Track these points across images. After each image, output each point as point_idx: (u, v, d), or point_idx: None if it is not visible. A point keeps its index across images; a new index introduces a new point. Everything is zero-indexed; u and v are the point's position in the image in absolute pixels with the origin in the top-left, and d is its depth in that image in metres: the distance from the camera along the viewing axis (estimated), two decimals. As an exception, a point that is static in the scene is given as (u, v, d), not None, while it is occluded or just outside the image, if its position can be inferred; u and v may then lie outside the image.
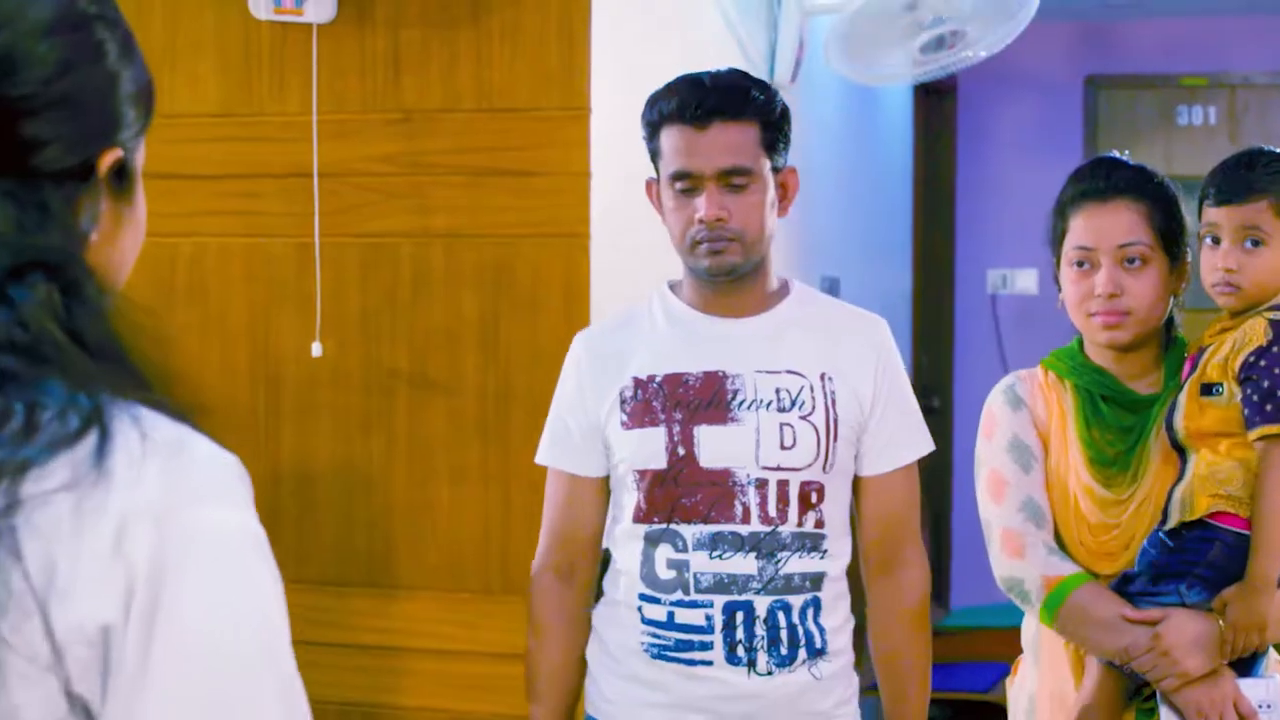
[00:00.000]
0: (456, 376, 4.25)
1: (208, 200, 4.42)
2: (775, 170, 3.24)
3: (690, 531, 3.21)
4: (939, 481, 8.52)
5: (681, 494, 3.22)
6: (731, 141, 3.17)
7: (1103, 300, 3.24)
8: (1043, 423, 3.34)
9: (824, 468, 3.22)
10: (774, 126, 3.22)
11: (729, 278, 3.24)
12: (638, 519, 3.26)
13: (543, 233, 4.17)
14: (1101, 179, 3.29)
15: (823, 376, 3.25)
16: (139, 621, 1.28)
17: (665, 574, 3.24)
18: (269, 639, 1.38)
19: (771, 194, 3.24)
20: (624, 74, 4.29)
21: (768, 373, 3.24)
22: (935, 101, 9.05)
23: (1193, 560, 3.11)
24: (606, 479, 3.36)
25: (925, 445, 3.37)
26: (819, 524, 3.23)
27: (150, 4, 4.43)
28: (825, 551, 3.24)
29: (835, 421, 3.23)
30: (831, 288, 6.49)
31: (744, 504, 3.19)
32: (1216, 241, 3.19)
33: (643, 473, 3.24)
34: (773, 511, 3.20)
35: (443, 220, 4.26)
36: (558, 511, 3.41)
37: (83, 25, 1.43)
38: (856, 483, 3.33)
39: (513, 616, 4.10)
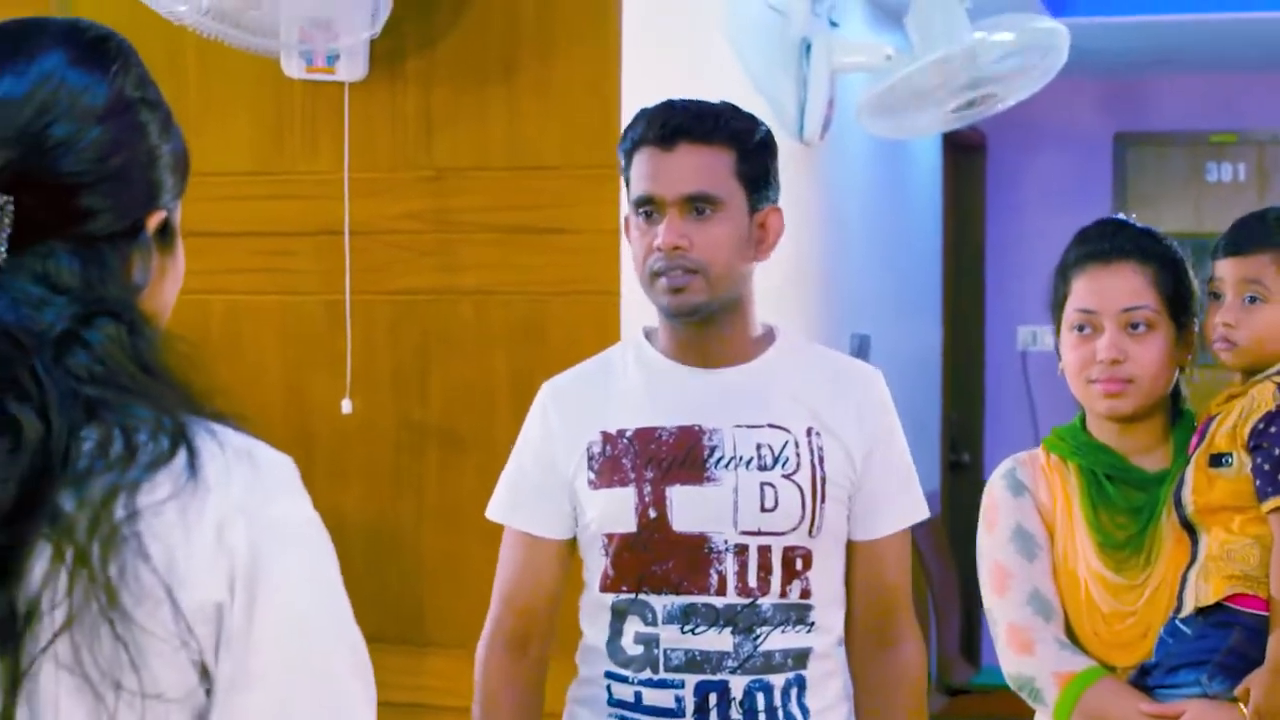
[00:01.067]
0: (487, 434, 4.25)
1: (240, 258, 4.44)
2: (754, 208, 2.96)
3: (660, 603, 2.91)
4: (969, 536, 8.49)
5: (652, 560, 2.91)
6: (698, 165, 2.90)
7: (1104, 366, 3.07)
8: (1047, 508, 3.15)
9: (810, 531, 2.93)
10: (751, 156, 2.95)
11: (694, 318, 2.94)
12: (604, 587, 2.97)
13: (573, 290, 4.18)
14: (1106, 240, 3.16)
15: (809, 432, 2.95)
16: (243, 596, 1.58)
17: (633, 649, 2.94)
18: (340, 603, 1.69)
19: (745, 229, 2.94)
20: (654, 132, 4.30)
21: (748, 427, 2.94)
22: (965, 158, 9.05)
23: (1212, 647, 2.93)
24: (570, 542, 3.08)
25: (920, 510, 3.10)
26: (805, 594, 2.93)
27: (184, 63, 4.46)
28: (812, 624, 2.94)
29: (823, 481, 2.93)
30: (862, 345, 6.49)
31: (719, 573, 2.89)
32: (1217, 297, 3.08)
33: (610, 536, 2.95)
34: (752, 581, 2.89)
35: (473, 277, 4.27)
36: (512, 575, 3.14)
37: (129, 110, 1.72)
38: (848, 548, 3.03)
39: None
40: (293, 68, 4.21)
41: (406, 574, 4.32)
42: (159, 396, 1.62)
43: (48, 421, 1.54)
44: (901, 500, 3.07)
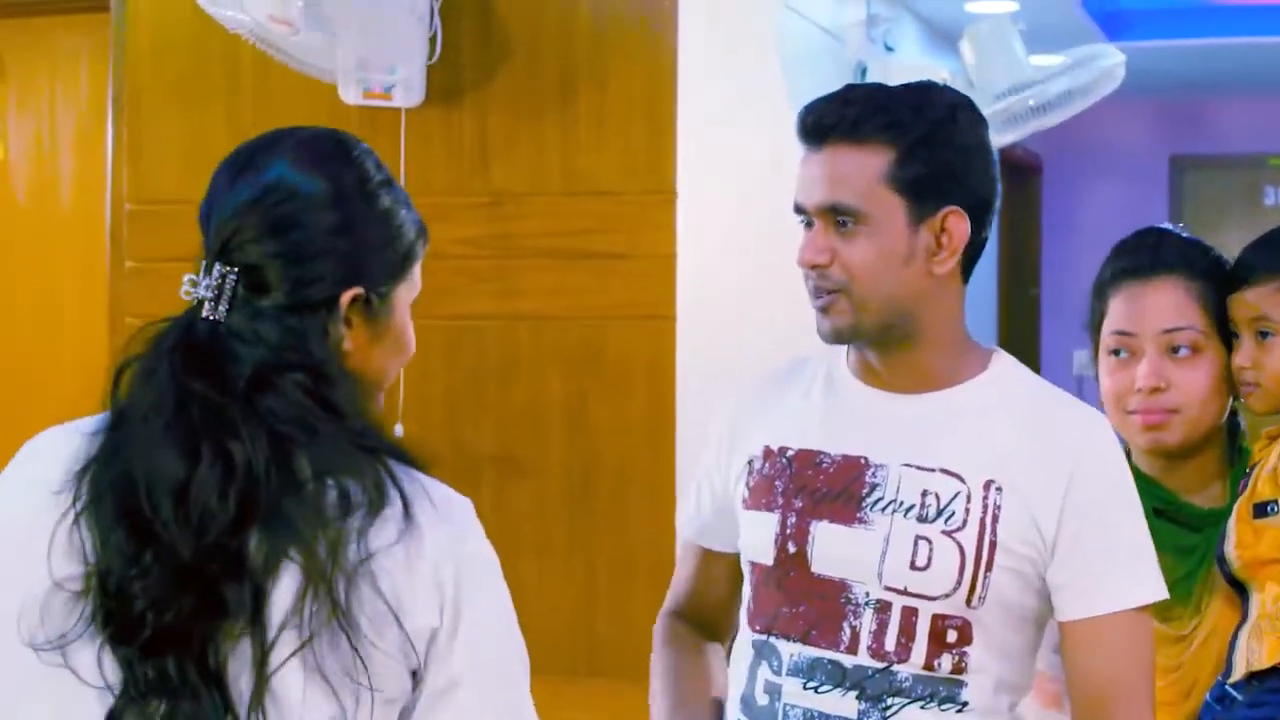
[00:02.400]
0: (542, 457, 4.25)
1: (297, 283, 4.45)
2: (920, 216, 2.45)
3: (788, 650, 2.51)
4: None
5: (784, 601, 2.52)
6: (840, 171, 2.46)
7: (1143, 396, 2.72)
8: None
9: (969, 600, 2.43)
10: (915, 155, 2.45)
11: (847, 342, 2.54)
12: (749, 621, 2.59)
13: (629, 315, 4.18)
14: (1146, 253, 2.79)
15: (988, 485, 2.45)
16: (450, 620, 1.95)
17: (760, 699, 2.56)
18: (514, 622, 2.06)
19: (903, 242, 2.45)
20: (710, 157, 4.31)
21: (917, 469, 2.48)
22: (1020, 180, 9.04)
23: (1267, 717, 2.55)
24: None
25: (1142, 592, 2.47)
26: (958, 669, 2.45)
27: (241, 90, 4.48)
28: (964, 705, 2.46)
29: (992, 546, 2.43)
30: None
31: (853, 628, 2.47)
32: (1236, 336, 2.72)
33: (754, 566, 2.58)
34: (889, 644, 2.45)
35: (529, 302, 4.28)
36: (682, 576, 2.83)
37: (335, 205, 2.01)
38: (1060, 631, 2.52)
39: (600, 698, 4.09)
40: (350, 93, 4.23)
41: (462, 598, 4.32)
42: (338, 434, 1.94)
43: (250, 450, 1.88)
44: (1116, 576, 2.47)
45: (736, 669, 2.63)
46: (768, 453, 2.59)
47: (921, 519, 2.45)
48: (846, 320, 2.47)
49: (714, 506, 2.70)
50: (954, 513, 2.44)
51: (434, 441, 4.33)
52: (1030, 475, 2.44)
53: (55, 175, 5.36)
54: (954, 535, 2.44)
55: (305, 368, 1.96)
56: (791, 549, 2.52)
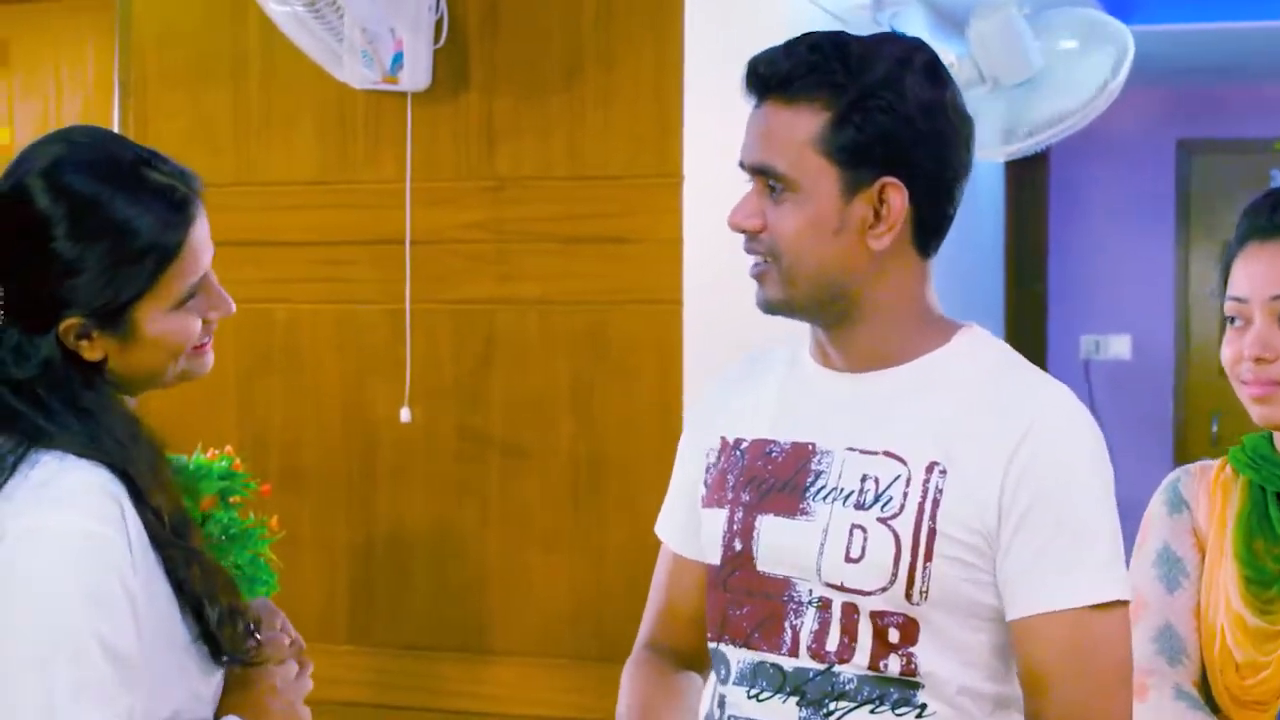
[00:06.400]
0: (549, 443, 4.25)
1: (301, 267, 4.45)
2: (854, 186, 2.23)
3: (735, 657, 2.32)
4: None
5: (730, 603, 2.33)
6: (771, 131, 2.27)
7: (1251, 365, 2.50)
8: (1203, 530, 2.57)
9: (908, 595, 2.20)
10: (851, 118, 2.22)
11: (784, 315, 2.34)
12: (707, 630, 2.41)
13: (635, 299, 4.17)
14: (1265, 214, 2.56)
15: (931, 467, 2.22)
16: None
17: (713, 711, 2.38)
18: (57, 604, 2.01)
19: (836, 215, 2.24)
20: (717, 140, 4.29)
21: (860, 452, 2.26)
22: (1026, 167, 9.01)
23: None
24: None
25: (1098, 590, 2.18)
26: (908, 671, 2.22)
27: (246, 72, 4.48)
28: (923, 709, 2.22)
29: (931, 534, 2.19)
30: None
31: (794, 628, 2.27)
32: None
33: (708, 569, 2.40)
34: (830, 645, 2.24)
35: (535, 287, 4.27)
36: (658, 584, 2.61)
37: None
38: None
39: (606, 682, 4.09)
40: (356, 77, 4.22)
41: (467, 583, 4.32)
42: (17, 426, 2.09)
43: None
44: (1065, 568, 2.19)
45: (709, 687, 2.44)
46: (724, 445, 2.41)
47: (859, 506, 2.23)
48: (776, 292, 2.30)
49: (682, 506, 2.51)
50: (891, 498, 2.22)
51: (441, 426, 4.34)
52: (974, 454, 2.20)
53: (61, 159, 5.34)
54: (889, 523, 2.21)
55: (17, 365, 2.09)
56: (738, 546, 2.32)
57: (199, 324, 2.19)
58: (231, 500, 3.68)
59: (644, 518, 4.25)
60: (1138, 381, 8.73)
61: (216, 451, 3.73)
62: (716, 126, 4.32)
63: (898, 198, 2.23)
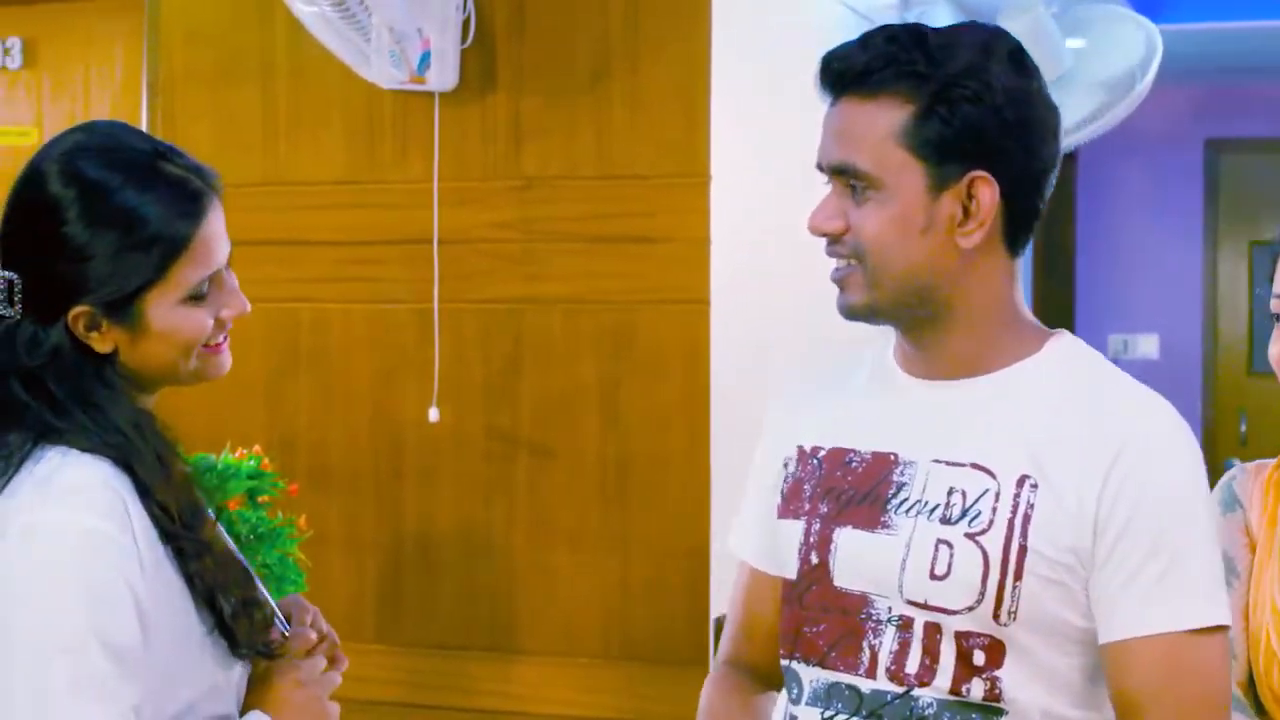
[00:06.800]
0: (576, 442, 4.25)
1: (329, 266, 4.46)
2: (941, 182, 2.12)
3: (808, 676, 2.21)
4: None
5: (805, 620, 2.22)
6: (851, 128, 2.14)
7: None
8: (1255, 528, 2.48)
9: (996, 615, 2.09)
10: (938, 110, 2.10)
11: (868, 321, 2.21)
12: (779, 646, 2.29)
13: (663, 299, 4.17)
14: None
15: (1022, 481, 2.10)
16: None
17: None
18: (53, 603, 2.01)
19: (923, 212, 2.13)
20: (744, 140, 4.29)
21: (946, 464, 2.15)
22: (1054, 165, 9.00)
23: None
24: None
25: (1196, 615, 2.06)
26: (992, 696, 2.10)
27: (274, 72, 4.48)
28: None
29: (1021, 551, 2.08)
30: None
31: (872, 648, 2.15)
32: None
33: (784, 582, 2.27)
34: (911, 666, 2.13)
35: (562, 286, 4.27)
36: (735, 599, 2.47)
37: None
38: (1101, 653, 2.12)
39: (630, 681, 4.10)
40: (384, 77, 4.22)
41: (495, 582, 4.33)
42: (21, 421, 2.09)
43: None
44: (1164, 590, 2.07)
45: (781, 706, 2.32)
46: (800, 454, 2.29)
47: (945, 520, 2.12)
48: (860, 297, 2.16)
49: (756, 518, 2.37)
50: (979, 513, 2.11)
51: (469, 425, 4.34)
52: (1068, 469, 2.09)
53: (89, 160, 5.36)
54: (977, 539, 2.10)
55: (14, 370, 2.11)
56: (814, 560, 2.20)
57: (210, 321, 2.17)
58: (260, 499, 3.69)
59: (671, 517, 4.27)
60: (1166, 381, 8.65)
61: (245, 451, 3.74)
62: (743, 126, 4.32)
63: (988, 192, 2.12)
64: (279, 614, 2.35)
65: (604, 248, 4.23)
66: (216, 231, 2.15)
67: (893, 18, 5.24)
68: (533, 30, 4.28)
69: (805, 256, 3.81)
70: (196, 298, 2.14)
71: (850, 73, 2.12)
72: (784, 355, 4.46)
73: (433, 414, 4.31)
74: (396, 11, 4.09)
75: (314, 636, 2.32)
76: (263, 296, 4.34)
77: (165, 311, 2.13)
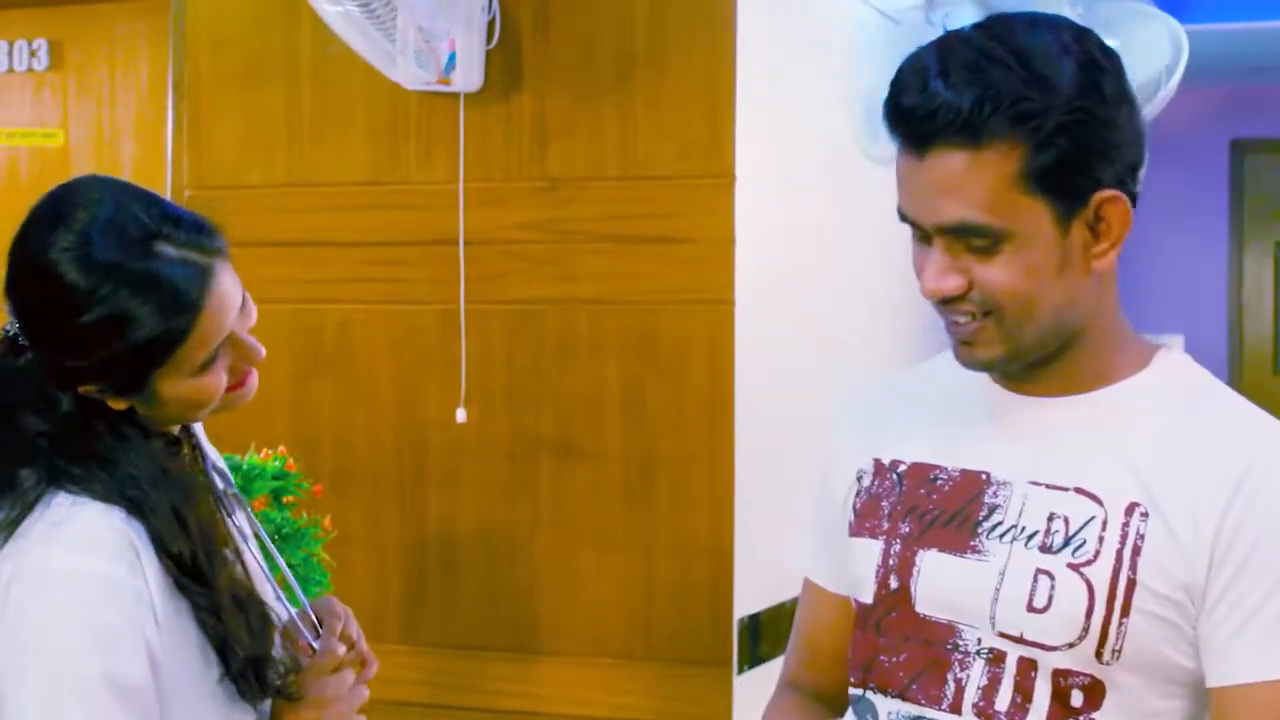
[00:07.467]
0: (601, 443, 4.25)
1: (354, 268, 4.46)
2: (1069, 214, 1.95)
3: (885, 708, 2.08)
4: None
5: (883, 648, 2.09)
6: (958, 182, 1.92)
7: None
8: None
9: (1099, 654, 1.94)
10: (1054, 141, 1.90)
11: (999, 371, 2.08)
12: (849, 672, 2.17)
13: (688, 299, 4.17)
14: None
15: (1131, 509, 1.95)
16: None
17: None
18: (61, 636, 2.06)
19: (1057, 251, 1.96)
20: (769, 140, 4.29)
21: (1046, 487, 2.01)
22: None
23: None
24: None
25: None
26: None
27: (299, 73, 4.49)
28: None
29: (1130, 585, 1.93)
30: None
31: (958, 682, 2.01)
32: None
33: (857, 605, 2.16)
34: (1001, 704, 1.98)
35: (587, 287, 4.27)
36: (798, 618, 2.37)
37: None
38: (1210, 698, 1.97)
39: (654, 683, 4.09)
40: (409, 78, 4.22)
41: (519, 583, 4.33)
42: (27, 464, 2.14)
43: None
44: (1274, 638, 1.91)
45: None
46: (878, 467, 2.16)
47: (1045, 549, 1.97)
48: (997, 350, 2.01)
49: (820, 532, 2.27)
50: (1084, 541, 1.96)
51: (495, 427, 4.34)
52: (1182, 498, 1.94)
53: (115, 161, 5.38)
54: (1082, 570, 1.95)
55: (38, 412, 2.15)
56: (894, 584, 2.07)
57: (224, 378, 2.20)
58: (284, 500, 3.69)
59: (695, 517, 4.26)
60: (1191, 382, 8.67)
61: (270, 452, 3.74)
62: (769, 126, 4.32)
63: (1117, 209, 1.99)
64: (312, 617, 2.35)
65: (629, 248, 4.22)
66: (221, 300, 2.13)
67: (918, 18, 5.24)
68: (557, 30, 4.28)
69: (831, 256, 3.82)
70: (206, 366, 2.17)
71: (951, 122, 1.91)
72: (809, 356, 4.46)
73: (460, 415, 4.31)
74: (423, 11, 4.09)
75: (341, 650, 2.33)
76: (287, 297, 4.36)
77: (177, 385, 2.16)
